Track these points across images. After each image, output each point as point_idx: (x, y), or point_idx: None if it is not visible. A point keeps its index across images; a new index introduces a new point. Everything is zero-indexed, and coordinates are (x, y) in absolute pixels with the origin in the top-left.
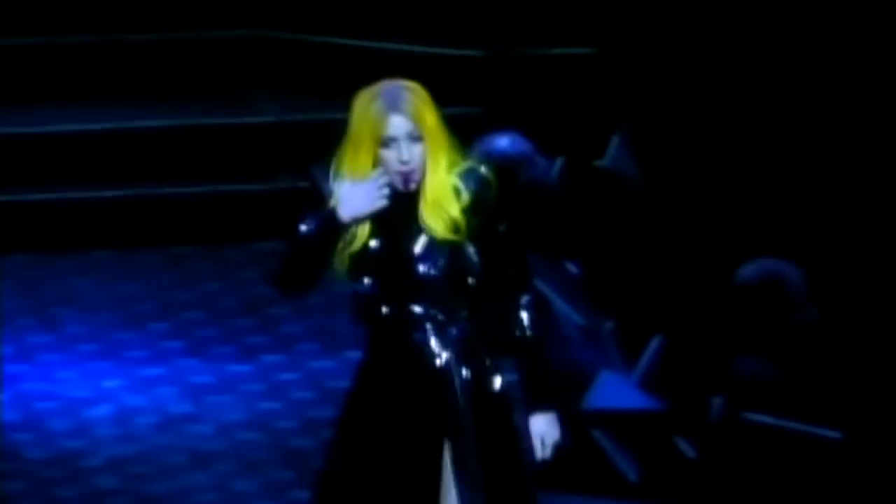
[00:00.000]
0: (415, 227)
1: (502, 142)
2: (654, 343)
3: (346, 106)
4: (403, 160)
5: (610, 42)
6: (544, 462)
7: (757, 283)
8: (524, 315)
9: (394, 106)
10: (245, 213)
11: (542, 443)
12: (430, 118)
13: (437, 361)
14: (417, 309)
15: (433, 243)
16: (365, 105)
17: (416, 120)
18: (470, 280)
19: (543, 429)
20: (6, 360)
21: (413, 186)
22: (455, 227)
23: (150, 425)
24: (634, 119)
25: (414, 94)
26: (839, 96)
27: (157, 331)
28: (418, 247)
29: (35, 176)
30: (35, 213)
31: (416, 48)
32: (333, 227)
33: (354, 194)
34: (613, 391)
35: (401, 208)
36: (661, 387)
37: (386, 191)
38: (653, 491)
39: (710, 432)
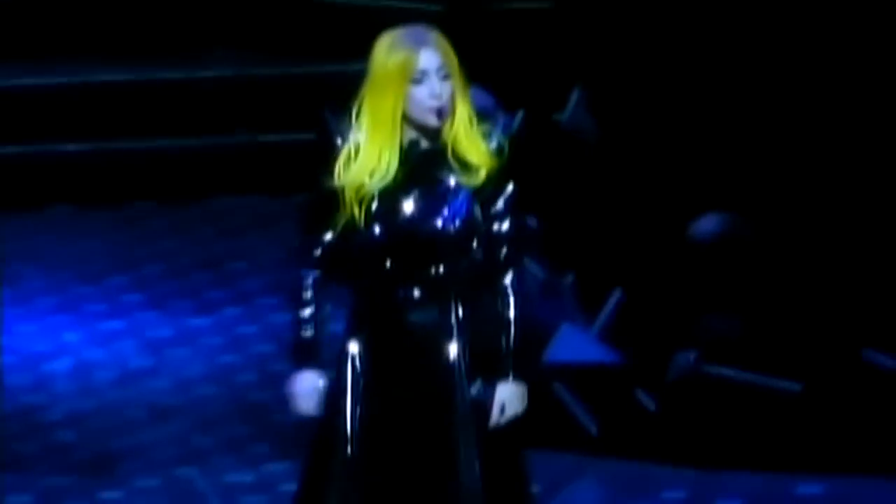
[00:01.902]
0: (436, 180)
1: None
2: (613, 297)
3: (301, 60)
4: (436, 94)
5: None
6: (493, 427)
7: (712, 236)
8: (510, 291)
9: (423, 41)
10: (203, 169)
11: (502, 410)
12: (454, 58)
13: (446, 350)
14: (422, 268)
15: (449, 198)
16: (390, 46)
17: (445, 56)
18: (475, 243)
19: (507, 398)
20: None
21: (444, 121)
22: (476, 179)
23: (109, 379)
24: (593, 74)
25: (437, 33)
26: (785, 51)
27: (115, 285)
28: (436, 200)
29: None
30: None
31: (376, 1)
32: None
33: (298, 385)
34: (573, 345)
35: (423, 159)
36: (620, 340)
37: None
38: (613, 444)
39: (671, 386)
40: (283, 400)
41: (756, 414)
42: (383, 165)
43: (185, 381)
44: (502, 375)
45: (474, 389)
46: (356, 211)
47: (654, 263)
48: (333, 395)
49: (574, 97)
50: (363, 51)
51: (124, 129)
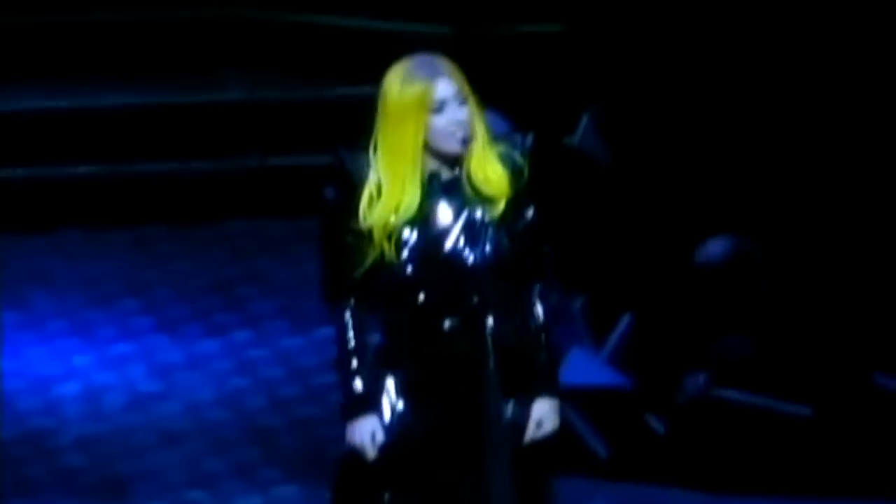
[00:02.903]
0: (461, 210)
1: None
2: (623, 320)
3: (312, 84)
4: (458, 121)
5: (579, 20)
6: (528, 444)
7: (720, 260)
8: (539, 308)
9: (436, 71)
10: (214, 192)
11: (538, 426)
12: (466, 83)
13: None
14: (455, 299)
15: (477, 226)
16: (402, 79)
17: (459, 82)
18: (505, 269)
19: (543, 414)
20: None
21: (467, 148)
22: (500, 204)
23: (119, 403)
24: (603, 97)
25: (445, 60)
26: (799, 78)
27: (126, 308)
28: (464, 229)
29: (3, 154)
30: (3, 191)
31: (385, 25)
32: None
33: (356, 427)
34: (583, 368)
35: (446, 189)
36: (630, 364)
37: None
38: (623, 467)
39: (681, 409)
40: (292, 424)
41: (766, 437)
42: (407, 199)
43: (195, 404)
44: (540, 391)
45: (509, 411)
46: (385, 248)
47: (664, 287)
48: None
49: (584, 120)
50: (373, 74)
51: (136, 151)
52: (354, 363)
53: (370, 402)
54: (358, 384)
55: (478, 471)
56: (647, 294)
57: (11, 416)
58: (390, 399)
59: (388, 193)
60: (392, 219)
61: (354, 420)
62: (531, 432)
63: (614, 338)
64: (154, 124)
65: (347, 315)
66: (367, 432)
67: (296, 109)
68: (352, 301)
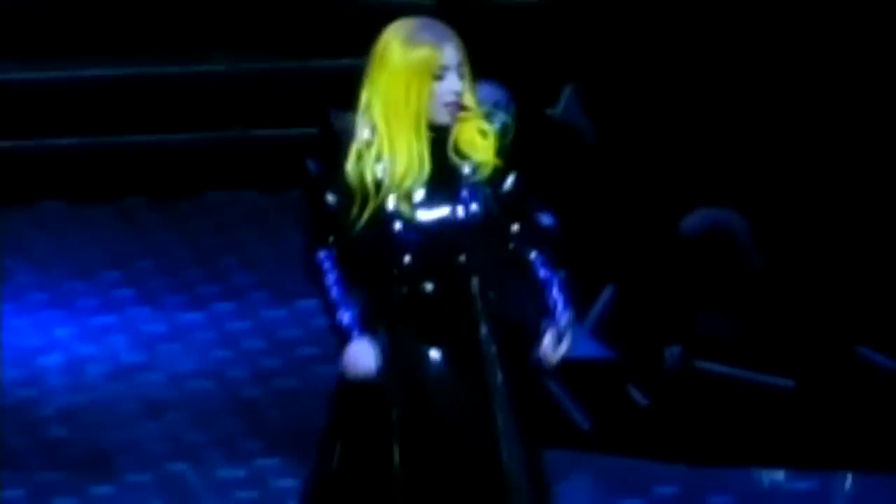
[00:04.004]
0: (448, 173)
1: (481, 91)
2: (606, 292)
3: (295, 56)
4: (457, 90)
5: None
6: (549, 362)
7: (704, 232)
8: (537, 262)
9: (444, 36)
10: (197, 164)
11: (556, 343)
12: (465, 54)
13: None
14: (442, 261)
15: (464, 188)
16: (408, 39)
17: (461, 53)
18: (492, 231)
19: (558, 335)
20: None
21: (457, 119)
22: (485, 170)
23: (102, 374)
24: (585, 68)
25: (451, 28)
26: (780, 47)
27: (108, 280)
28: (451, 191)
29: None
30: None
31: None
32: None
33: (354, 355)
34: None
35: (435, 153)
36: (612, 336)
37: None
38: (605, 440)
39: (663, 381)
40: (274, 395)
41: (748, 410)
42: (415, 166)
43: (178, 376)
44: (551, 320)
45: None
46: (372, 206)
47: (647, 259)
48: (360, 393)
49: (566, 92)
50: (356, 45)
51: (118, 124)
52: (339, 296)
53: (361, 328)
54: (346, 315)
55: (483, 427)
56: (629, 266)
57: None
58: (387, 360)
59: (394, 158)
60: (393, 183)
61: (349, 348)
62: (548, 350)
63: (597, 309)
64: (137, 96)
65: (330, 261)
66: (363, 354)
67: (279, 81)
68: (334, 251)
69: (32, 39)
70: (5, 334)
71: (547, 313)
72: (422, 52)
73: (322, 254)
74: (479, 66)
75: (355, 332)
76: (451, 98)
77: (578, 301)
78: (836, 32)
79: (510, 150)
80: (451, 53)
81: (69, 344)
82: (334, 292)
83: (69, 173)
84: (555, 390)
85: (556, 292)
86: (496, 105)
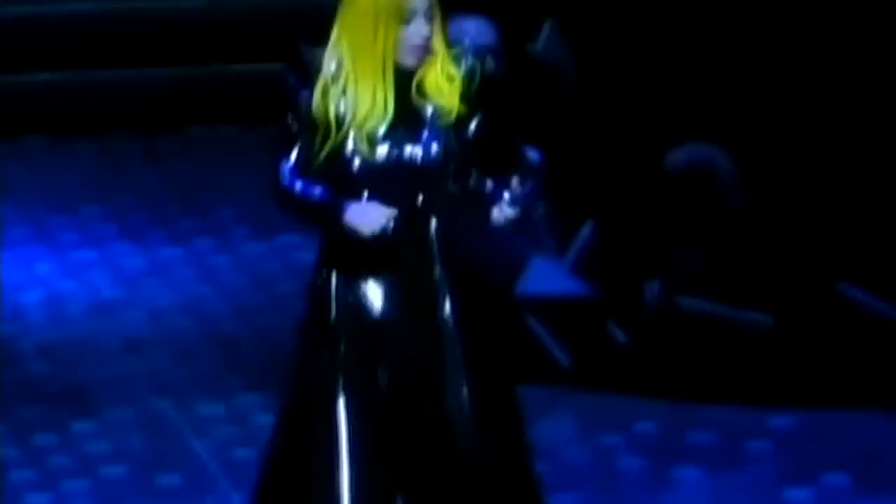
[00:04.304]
0: (411, 111)
1: (470, 28)
2: (586, 229)
3: None
4: (424, 34)
5: None
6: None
7: (687, 168)
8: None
9: None
10: (177, 99)
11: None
12: None
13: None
14: (400, 198)
15: (426, 128)
16: None
17: None
18: (451, 171)
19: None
20: None
21: (423, 63)
22: (450, 112)
23: (82, 310)
24: (566, 3)
25: None
26: None
27: (88, 215)
28: (412, 130)
29: None
30: None
31: None
32: (332, 225)
33: (367, 213)
34: (546, 277)
35: (399, 92)
36: (593, 273)
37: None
38: (585, 377)
39: (643, 318)
40: (255, 331)
41: (728, 347)
42: (380, 109)
43: (158, 312)
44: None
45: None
46: (333, 142)
47: (627, 195)
48: (315, 330)
49: (547, 27)
50: None
51: (98, 58)
52: (311, 187)
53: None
54: (328, 195)
55: (429, 370)
56: (610, 202)
57: None
58: (337, 298)
59: (358, 98)
60: (356, 123)
61: (355, 207)
62: (497, 212)
63: (577, 246)
64: (118, 31)
65: (295, 175)
66: (373, 209)
67: (259, 15)
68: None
69: None
70: None
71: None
72: None
73: (287, 170)
74: (457, 4)
75: (348, 200)
76: (418, 41)
77: (554, 239)
78: None
79: (476, 95)
80: None
81: (49, 279)
82: (305, 188)
83: (50, 108)
84: (534, 327)
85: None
86: (482, 44)
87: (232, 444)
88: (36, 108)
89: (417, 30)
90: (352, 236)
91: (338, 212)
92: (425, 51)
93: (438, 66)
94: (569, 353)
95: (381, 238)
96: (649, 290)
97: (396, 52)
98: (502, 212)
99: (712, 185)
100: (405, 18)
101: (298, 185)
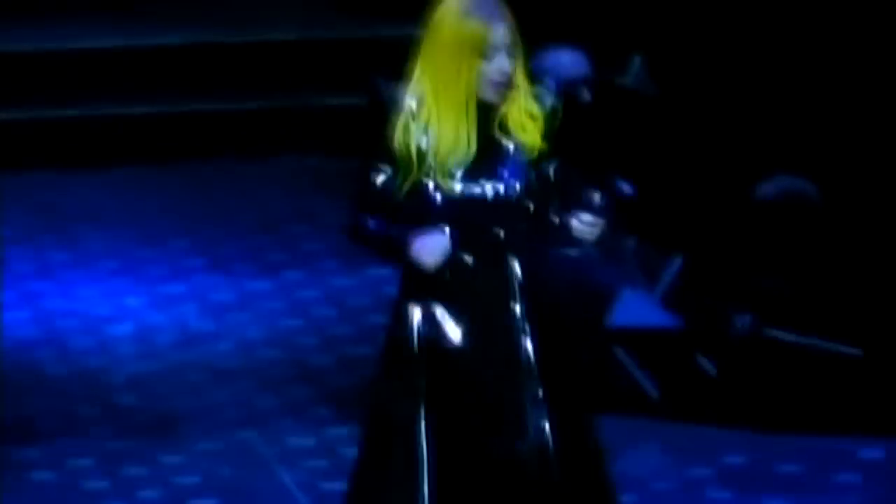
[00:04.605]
0: (492, 147)
1: (564, 59)
2: (675, 261)
3: (362, 23)
4: (505, 70)
5: None
6: (583, 237)
7: (776, 199)
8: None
9: (495, 14)
10: (265, 130)
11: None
12: (517, 33)
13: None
14: (481, 233)
15: (508, 164)
16: (460, 14)
17: (513, 32)
18: (532, 206)
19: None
20: (28, 278)
21: (504, 99)
22: (532, 149)
23: (171, 343)
24: (653, 38)
25: (505, 6)
26: (851, 21)
27: (177, 248)
28: (495, 165)
29: (57, 93)
30: (56, 129)
31: None
32: (401, 258)
33: (427, 244)
34: (635, 309)
35: (479, 130)
36: (682, 304)
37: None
38: (674, 409)
39: (732, 350)
40: (343, 363)
41: (817, 378)
42: (463, 147)
43: (247, 344)
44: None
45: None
46: (414, 177)
47: (716, 227)
48: (395, 362)
49: (635, 62)
50: (418, 13)
51: (186, 90)
52: (386, 225)
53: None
54: (399, 230)
55: (510, 403)
56: (699, 234)
57: (64, 356)
58: (419, 333)
59: (442, 136)
60: (439, 160)
61: (419, 239)
62: (577, 226)
63: (666, 278)
64: (204, 63)
65: (375, 215)
66: (436, 239)
67: (350, 48)
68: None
69: (104, 5)
70: (75, 302)
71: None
72: (472, 30)
73: (365, 205)
74: (550, 35)
75: (414, 231)
76: (498, 77)
77: (643, 271)
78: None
79: (557, 133)
80: (501, 33)
81: (139, 312)
82: (379, 224)
83: (139, 139)
84: (623, 359)
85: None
86: (576, 76)
87: (320, 476)
88: (125, 140)
89: (499, 65)
90: (419, 268)
91: (404, 244)
92: (507, 86)
93: (521, 102)
94: (657, 384)
95: (444, 267)
96: (737, 321)
97: (478, 87)
98: (581, 221)
99: (801, 216)
100: (487, 54)
101: (373, 222)
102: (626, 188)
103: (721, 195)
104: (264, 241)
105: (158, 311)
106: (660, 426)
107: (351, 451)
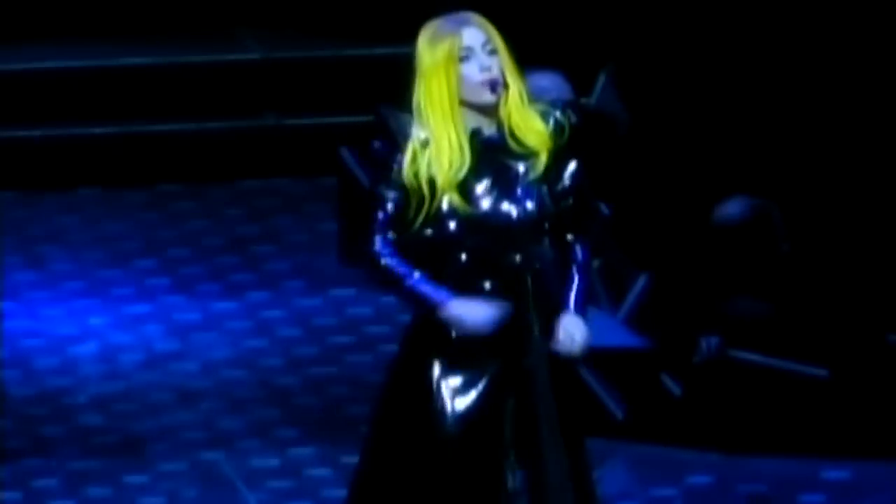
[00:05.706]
0: (502, 168)
1: (546, 83)
2: (640, 281)
3: (329, 43)
4: (485, 66)
5: None
6: (572, 359)
7: (740, 219)
8: (575, 245)
9: (463, 22)
10: (230, 151)
11: (572, 339)
12: (499, 36)
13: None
14: (498, 257)
15: (519, 183)
16: (432, 36)
17: (488, 32)
18: (546, 226)
19: (573, 326)
20: None
21: (500, 93)
22: (542, 161)
23: (136, 363)
24: (619, 57)
25: (475, 14)
26: (821, 33)
27: (142, 268)
28: (506, 187)
29: (21, 113)
30: (21, 150)
31: None
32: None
33: (474, 310)
34: (600, 329)
35: (488, 146)
36: (647, 324)
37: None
38: (640, 429)
39: (697, 370)
40: (309, 384)
41: (782, 399)
42: (456, 154)
43: (212, 364)
44: (564, 308)
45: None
46: (429, 206)
47: (681, 247)
48: (415, 388)
49: (601, 81)
50: (391, 33)
51: (151, 111)
52: (409, 268)
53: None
54: (424, 281)
55: (527, 432)
56: (664, 254)
57: (28, 375)
58: (438, 360)
59: (436, 149)
60: (444, 174)
61: (460, 304)
62: (565, 345)
63: (631, 298)
64: (170, 84)
65: (389, 248)
66: (477, 307)
67: (312, 68)
68: (392, 244)
69: (67, 27)
70: (40, 322)
71: (564, 303)
72: (443, 43)
73: (380, 244)
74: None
75: (445, 293)
76: (482, 76)
77: (609, 291)
78: (882, 22)
79: (567, 141)
80: (471, 34)
81: (104, 333)
82: (402, 268)
83: (104, 160)
84: (589, 379)
85: (576, 281)
86: (561, 99)
87: (286, 497)
88: (89, 161)
89: (479, 63)
90: (451, 326)
91: (441, 305)
92: (496, 84)
93: (523, 110)
94: (623, 404)
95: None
96: (703, 342)
97: (466, 91)
98: (569, 344)
99: (763, 237)
100: (463, 56)
101: (394, 261)
102: (602, 209)
103: (685, 215)
104: (229, 261)
105: (123, 332)
106: (625, 446)
107: (316, 471)
